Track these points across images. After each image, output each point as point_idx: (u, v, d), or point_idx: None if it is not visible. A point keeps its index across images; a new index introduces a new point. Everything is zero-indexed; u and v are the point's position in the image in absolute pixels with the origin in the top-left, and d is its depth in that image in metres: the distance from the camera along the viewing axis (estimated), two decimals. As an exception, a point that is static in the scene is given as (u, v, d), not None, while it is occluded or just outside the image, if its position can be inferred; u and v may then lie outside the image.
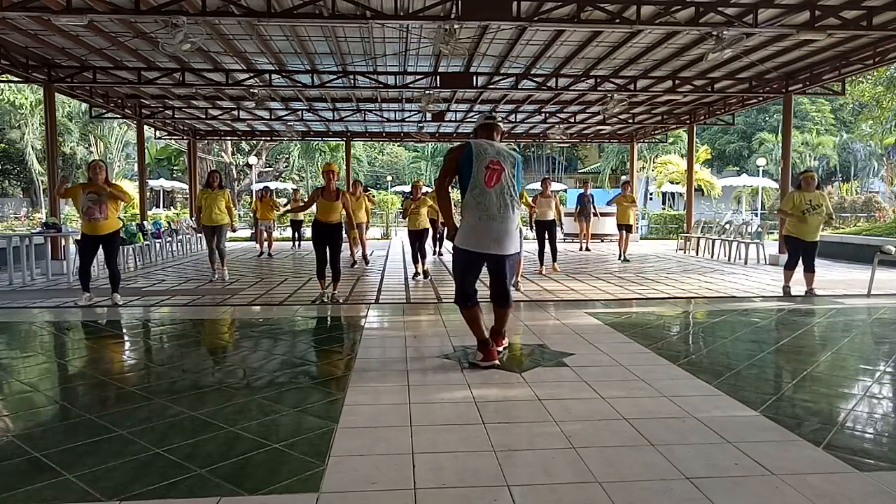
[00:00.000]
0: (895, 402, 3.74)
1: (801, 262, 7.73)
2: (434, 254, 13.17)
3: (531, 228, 10.41)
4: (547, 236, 10.13)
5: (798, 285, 7.85)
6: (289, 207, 7.60)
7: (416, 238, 9.82)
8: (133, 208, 19.61)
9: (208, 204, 9.13)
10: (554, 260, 10.24)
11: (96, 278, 8.40)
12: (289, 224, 18.49)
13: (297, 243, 16.61)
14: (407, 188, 31.93)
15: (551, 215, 10.05)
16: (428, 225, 10.18)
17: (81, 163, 32.44)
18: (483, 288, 4.44)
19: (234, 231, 9.70)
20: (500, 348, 4.49)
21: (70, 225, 15.34)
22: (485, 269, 4.37)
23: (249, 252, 14.56)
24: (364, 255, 12.15)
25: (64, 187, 7.15)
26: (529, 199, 9.99)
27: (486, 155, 4.13)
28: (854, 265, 11.28)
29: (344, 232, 7.68)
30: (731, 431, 3.06)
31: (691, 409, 3.38)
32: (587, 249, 15.57)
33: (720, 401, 3.56)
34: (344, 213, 7.49)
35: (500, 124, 4.49)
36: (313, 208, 7.52)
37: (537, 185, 13.16)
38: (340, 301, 7.36)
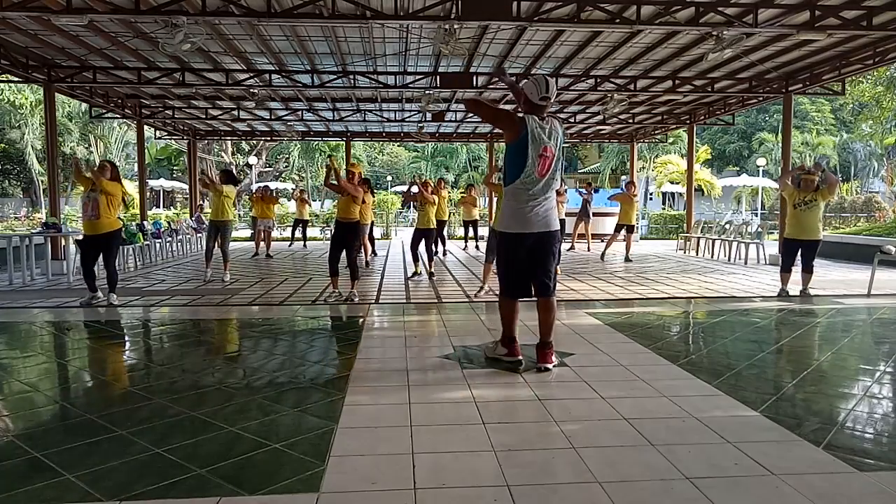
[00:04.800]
0: (895, 402, 3.74)
1: (800, 261, 7.73)
2: (435, 253, 13.15)
3: None
4: None
5: (794, 285, 7.84)
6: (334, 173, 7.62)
7: (422, 235, 9.73)
8: (133, 208, 19.64)
9: (213, 201, 9.30)
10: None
11: (97, 277, 8.39)
12: (290, 224, 18.52)
13: (303, 242, 16.58)
14: (406, 188, 31.91)
15: (561, 216, 10.08)
16: (434, 224, 10.10)
17: (81, 163, 32.42)
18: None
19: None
20: (550, 365, 4.12)
21: (70, 225, 15.35)
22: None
23: (249, 252, 14.55)
24: (366, 258, 12.13)
25: (79, 169, 7.29)
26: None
27: (540, 141, 3.94)
28: (854, 265, 11.28)
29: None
30: (731, 431, 3.06)
31: (691, 409, 3.38)
32: (588, 249, 15.60)
33: (720, 401, 3.56)
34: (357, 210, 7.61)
35: (549, 105, 4.08)
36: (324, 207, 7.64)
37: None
38: (355, 300, 7.40)
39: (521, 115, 4.07)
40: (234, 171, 31.04)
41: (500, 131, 4.21)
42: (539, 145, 3.94)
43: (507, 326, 4.26)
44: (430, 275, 9.64)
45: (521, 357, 4.21)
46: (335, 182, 7.46)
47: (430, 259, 9.83)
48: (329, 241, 7.72)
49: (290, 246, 16.24)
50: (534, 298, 4.21)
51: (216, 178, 9.66)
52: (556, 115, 4.58)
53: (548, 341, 4.16)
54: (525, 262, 4.15)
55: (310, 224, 18.76)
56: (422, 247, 9.82)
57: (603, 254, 12.76)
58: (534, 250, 4.12)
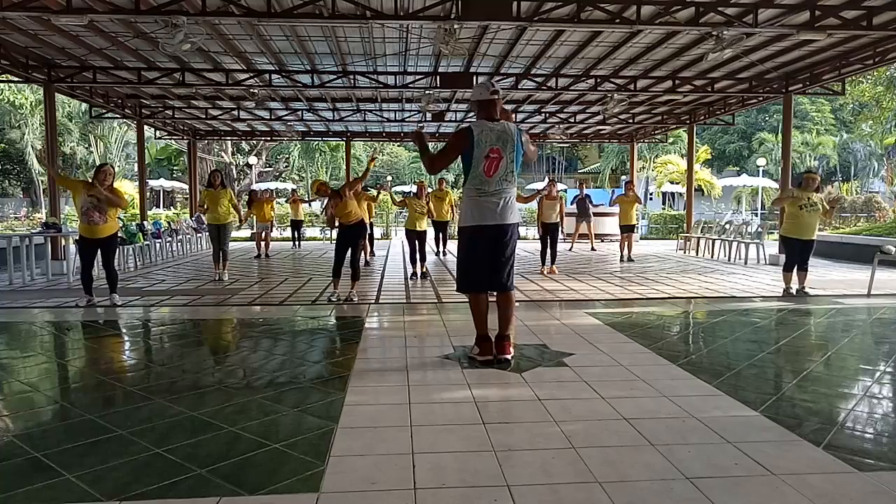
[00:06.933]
0: (895, 402, 3.74)
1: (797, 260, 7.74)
2: (436, 253, 13.18)
3: (538, 229, 10.65)
4: (549, 238, 10.18)
5: (792, 284, 7.84)
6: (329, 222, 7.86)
7: (416, 237, 9.82)
8: (133, 208, 19.62)
9: (211, 203, 9.29)
10: (553, 262, 10.28)
11: (96, 278, 8.39)
12: (289, 224, 18.52)
13: (297, 243, 16.65)
14: (407, 188, 31.90)
15: (556, 217, 10.13)
16: (425, 227, 10.17)
17: (81, 163, 32.45)
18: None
19: (240, 225, 9.79)
20: (508, 356, 4.36)
21: (70, 225, 15.33)
22: None
23: (249, 252, 14.56)
24: (366, 257, 12.13)
25: (57, 169, 7.15)
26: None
27: (486, 143, 4.18)
28: (854, 265, 11.27)
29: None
30: (731, 431, 3.06)
31: (691, 409, 3.38)
32: (593, 249, 15.59)
33: (720, 401, 3.56)
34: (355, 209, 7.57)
35: (500, 98, 4.40)
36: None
37: (540, 185, 12.98)
38: (355, 300, 7.38)
39: (466, 125, 4.32)
40: (234, 171, 31.09)
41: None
42: (485, 148, 4.18)
43: (480, 324, 4.40)
44: (423, 275, 9.65)
45: (492, 357, 4.35)
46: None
47: (423, 260, 9.85)
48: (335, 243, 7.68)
49: (294, 247, 16.31)
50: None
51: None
52: (511, 117, 4.68)
53: (506, 334, 4.38)
54: (484, 256, 4.31)
55: (307, 224, 18.72)
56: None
57: (621, 257, 12.40)
58: (492, 244, 4.29)
